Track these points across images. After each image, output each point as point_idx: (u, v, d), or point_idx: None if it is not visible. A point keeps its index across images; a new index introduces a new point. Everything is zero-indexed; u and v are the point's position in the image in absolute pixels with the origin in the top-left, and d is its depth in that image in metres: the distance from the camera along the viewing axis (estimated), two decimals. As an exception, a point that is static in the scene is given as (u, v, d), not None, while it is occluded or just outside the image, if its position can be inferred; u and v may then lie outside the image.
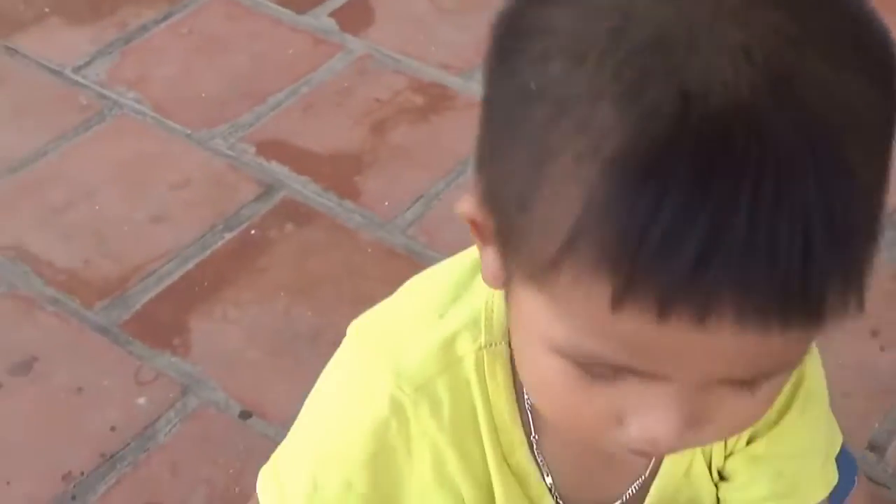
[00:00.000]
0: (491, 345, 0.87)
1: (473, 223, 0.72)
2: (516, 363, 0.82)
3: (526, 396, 0.88)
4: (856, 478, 1.13)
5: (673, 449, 0.77)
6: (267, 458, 0.96)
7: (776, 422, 0.93)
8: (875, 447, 1.49)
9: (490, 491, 0.92)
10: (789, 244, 0.59)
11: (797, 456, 0.94)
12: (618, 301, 0.61)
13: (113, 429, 1.54)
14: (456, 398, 0.87)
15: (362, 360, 0.90)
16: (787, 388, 0.91)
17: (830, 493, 1.01)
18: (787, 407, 0.93)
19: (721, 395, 0.70)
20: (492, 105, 0.69)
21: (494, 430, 0.89)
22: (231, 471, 1.48)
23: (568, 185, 0.61)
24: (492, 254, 0.72)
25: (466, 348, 0.87)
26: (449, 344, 0.87)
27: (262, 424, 1.54)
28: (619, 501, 0.96)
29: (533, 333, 0.71)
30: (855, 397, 1.52)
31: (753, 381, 0.70)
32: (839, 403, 1.05)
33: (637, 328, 0.62)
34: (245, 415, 1.55)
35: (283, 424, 1.21)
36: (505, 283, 0.73)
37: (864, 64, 0.63)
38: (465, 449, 0.89)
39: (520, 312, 0.73)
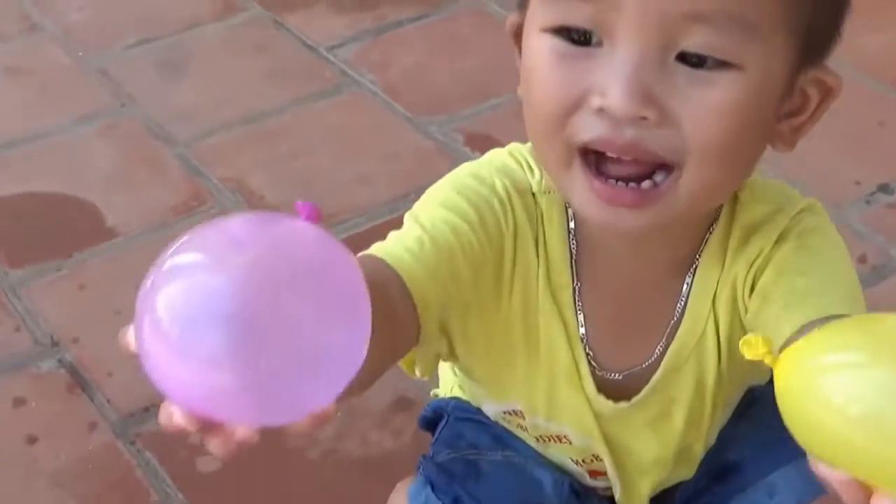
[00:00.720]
0: (549, 192, 0.98)
1: (514, 34, 0.92)
2: (522, 84, 0.92)
3: (572, 243, 0.99)
4: None
5: (629, 110, 0.82)
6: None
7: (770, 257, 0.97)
8: None
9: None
10: None
11: (805, 273, 0.94)
12: None
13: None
14: (533, 218, 0.98)
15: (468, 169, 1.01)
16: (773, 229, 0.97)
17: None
18: (780, 240, 0.97)
19: (675, 82, 0.82)
20: None
21: (547, 265, 1.00)
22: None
23: None
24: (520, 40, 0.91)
25: (535, 189, 0.99)
26: (529, 177, 0.99)
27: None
28: (640, 366, 1.04)
29: (532, 29, 0.87)
30: None
31: (710, 53, 0.82)
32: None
33: None
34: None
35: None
36: (519, 29, 0.91)
37: None
38: (530, 267, 1.00)
39: (525, 30, 0.89)
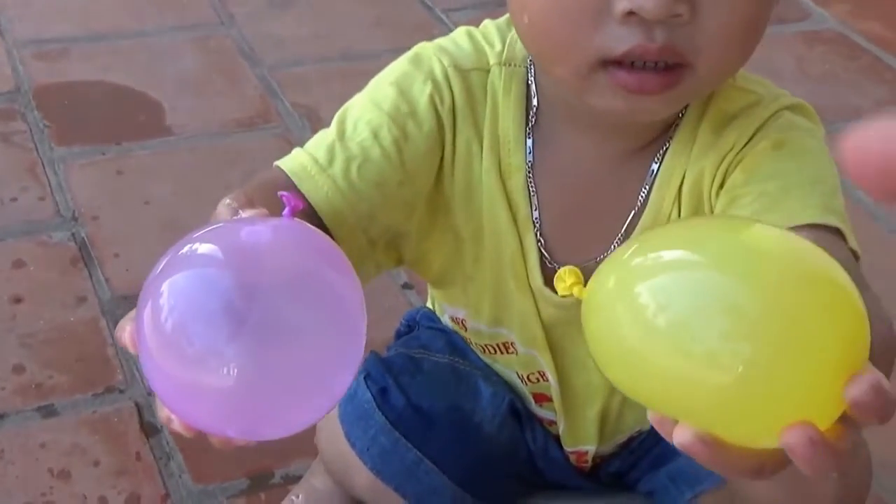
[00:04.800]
0: (511, 64, 0.89)
1: None
2: (522, 9, 0.81)
3: (531, 123, 0.89)
4: None
5: (665, 11, 0.74)
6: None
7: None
8: None
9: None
10: None
11: (778, 176, 0.82)
12: None
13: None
14: (476, 98, 0.89)
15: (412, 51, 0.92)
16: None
17: None
18: (756, 136, 0.86)
19: None
20: None
21: (497, 145, 0.89)
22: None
23: None
24: None
25: (495, 61, 0.90)
26: (481, 52, 0.90)
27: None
28: (595, 259, 0.90)
29: None
30: None
31: None
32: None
33: None
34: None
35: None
36: None
37: None
38: (472, 151, 0.90)
39: None
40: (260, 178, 0.87)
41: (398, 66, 0.90)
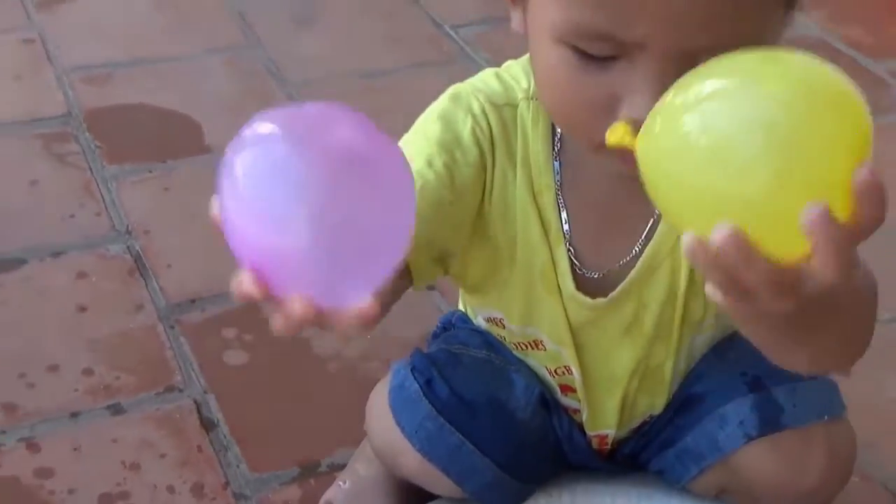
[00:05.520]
0: (536, 98, 0.98)
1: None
2: (533, 73, 0.91)
3: (556, 148, 0.98)
4: None
5: None
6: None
7: None
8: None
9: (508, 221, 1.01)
10: None
11: None
12: None
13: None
14: (509, 130, 0.99)
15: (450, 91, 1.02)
16: None
17: None
18: None
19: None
20: None
21: (529, 168, 0.98)
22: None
23: None
24: (516, 8, 0.88)
25: (524, 95, 0.99)
26: (510, 89, 0.99)
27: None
28: (619, 263, 1.02)
29: (542, 30, 0.82)
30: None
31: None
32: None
33: None
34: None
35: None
36: (523, 16, 0.86)
37: None
38: (507, 176, 0.99)
39: (533, 20, 0.84)
40: None
41: (441, 105, 0.99)
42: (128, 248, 1.65)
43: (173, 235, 1.68)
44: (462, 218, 0.98)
